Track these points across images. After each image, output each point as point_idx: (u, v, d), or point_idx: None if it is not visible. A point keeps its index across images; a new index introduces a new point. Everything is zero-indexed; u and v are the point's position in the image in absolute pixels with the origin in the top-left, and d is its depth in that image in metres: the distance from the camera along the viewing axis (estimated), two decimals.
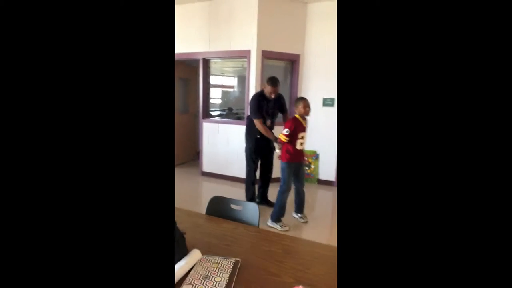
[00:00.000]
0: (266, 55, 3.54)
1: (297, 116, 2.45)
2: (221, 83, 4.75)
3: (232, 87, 4.55)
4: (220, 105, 4.95)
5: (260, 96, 2.67)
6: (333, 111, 3.66)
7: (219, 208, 1.40)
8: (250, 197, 2.92)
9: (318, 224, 2.69)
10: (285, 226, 2.55)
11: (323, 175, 3.89)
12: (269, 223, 2.56)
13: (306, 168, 3.88)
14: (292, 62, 3.77)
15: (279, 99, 2.77)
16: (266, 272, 0.89)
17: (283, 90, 3.84)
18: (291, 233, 2.45)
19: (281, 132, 2.45)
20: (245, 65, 3.61)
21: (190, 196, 3.43)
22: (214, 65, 4.09)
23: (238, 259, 0.93)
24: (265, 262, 0.94)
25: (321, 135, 3.73)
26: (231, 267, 0.87)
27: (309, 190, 3.56)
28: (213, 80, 4.21)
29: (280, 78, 3.81)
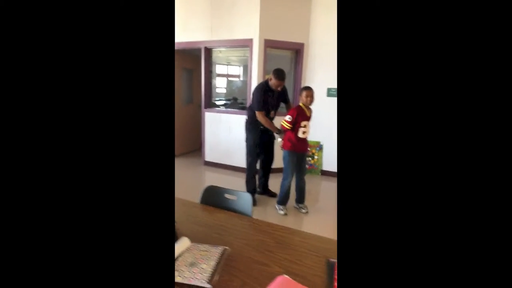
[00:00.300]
0: (269, 44, 3.48)
1: (301, 104, 2.46)
2: (227, 73, 4.70)
3: (238, 76, 4.50)
4: (225, 94, 4.92)
5: (264, 88, 2.61)
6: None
7: (213, 198, 1.39)
8: (252, 189, 2.92)
9: (320, 215, 2.68)
10: (282, 210, 2.64)
11: (327, 166, 3.85)
12: (276, 205, 2.71)
13: (309, 159, 3.85)
14: (297, 52, 3.69)
15: (283, 90, 2.72)
16: (254, 262, 0.88)
17: (288, 80, 3.79)
18: (291, 224, 2.45)
19: (283, 119, 2.47)
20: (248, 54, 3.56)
21: (191, 185, 3.45)
22: (220, 54, 4.04)
23: (226, 247, 0.93)
24: (255, 252, 0.94)
25: (325, 126, 3.68)
26: (219, 255, 0.87)
27: (313, 181, 3.55)
28: (218, 69, 4.16)
29: (284, 68, 3.78)
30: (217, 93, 4.29)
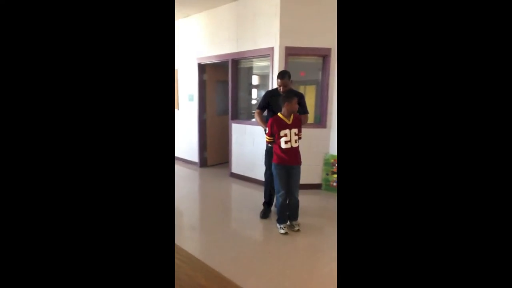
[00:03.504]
0: (291, 52, 3.31)
1: (279, 114, 2.36)
2: (258, 83, 4.65)
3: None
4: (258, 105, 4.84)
5: (273, 92, 2.65)
6: None
7: None
8: (268, 201, 2.79)
9: (324, 236, 2.35)
10: (282, 229, 2.42)
11: None
12: (276, 224, 2.50)
13: (326, 175, 3.48)
14: (324, 57, 3.43)
15: (299, 98, 2.54)
16: None
17: (316, 87, 3.54)
18: (285, 245, 2.20)
19: None
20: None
21: (214, 197, 3.45)
22: (255, 64, 4.01)
23: None
24: None
25: None
26: None
27: (333, 199, 3.19)
28: (254, 80, 4.18)
29: (313, 75, 3.55)
30: (253, 104, 4.27)
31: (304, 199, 3.17)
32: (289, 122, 2.32)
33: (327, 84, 3.42)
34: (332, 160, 3.46)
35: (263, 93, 2.87)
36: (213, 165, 4.75)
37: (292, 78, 2.57)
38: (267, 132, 2.39)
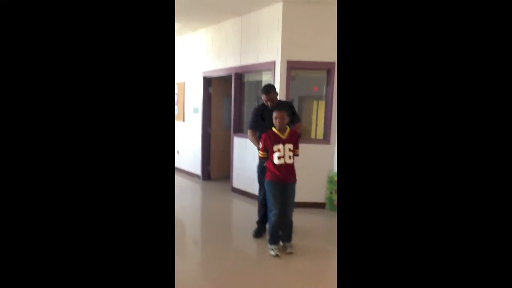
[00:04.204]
0: (293, 66, 3.23)
1: (273, 128, 2.24)
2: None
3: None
4: None
5: (261, 108, 2.54)
6: None
7: None
8: (261, 218, 2.67)
9: (321, 261, 2.17)
10: (273, 251, 2.25)
11: None
12: (268, 244, 2.33)
13: (330, 193, 3.29)
14: (328, 71, 3.32)
15: (288, 108, 2.44)
16: None
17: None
18: (274, 269, 2.04)
19: None
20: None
21: (212, 212, 3.35)
22: (263, 78, 3.96)
23: None
24: None
25: None
26: None
27: (336, 220, 3.00)
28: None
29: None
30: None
31: (305, 219, 3.02)
32: (284, 137, 2.21)
33: (331, 99, 3.30)
34: (336, 178, 3.29)
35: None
36: (217, 179, 4.67)
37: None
38: (260, 147, 2.28)
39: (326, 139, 3.36)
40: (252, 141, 2.56)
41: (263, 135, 2.24)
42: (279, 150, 2.18)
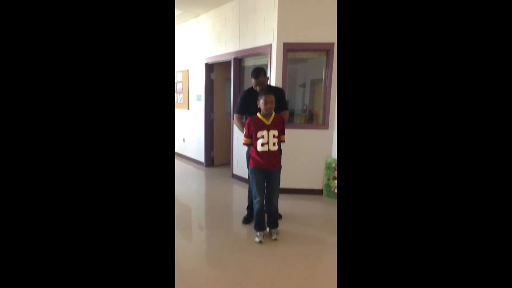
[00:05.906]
0: (290, 48, 3.12)
1: (257, 113, 2.15)
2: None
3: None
4: None
5: (249, 92, 2.46)
6: None
7: None
8: (250, 203, 2.66)
9: (307, 247, 2.13)
10: (258, 237, 2.23)
11: None
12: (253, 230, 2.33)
13: (328, 180, 3.19)
14: (327, 53, 3.17)
15: (277, 93, 2.36)
16: None
17: (319, 84, 3.30)
18: (257, 256, 2.03)
19: None
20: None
21: (211, 199, 3.39)
22: (263, 61, 3.87)
23: None
24: None
25: None
26: None
27: (332, 207, 2.92)
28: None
29: (318, 72, 3.31)
30: None
31: (302, 206, 2.97)
32: (268, 122, 2.14)
33: (330, 82, 3.16)
34: (334, 164, 3.19)
35: None
36: (220, 165, 4.70)
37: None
38: (244, 133, 2.24)
39: (324, 124, 3.25)
40: (237, 126, 2.52)
41: (247, 120, 2.18)
42: (262, 137, 2.13)
